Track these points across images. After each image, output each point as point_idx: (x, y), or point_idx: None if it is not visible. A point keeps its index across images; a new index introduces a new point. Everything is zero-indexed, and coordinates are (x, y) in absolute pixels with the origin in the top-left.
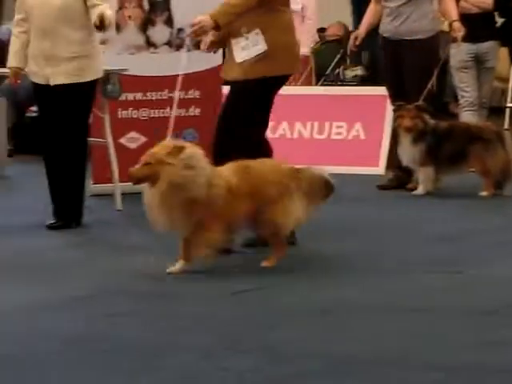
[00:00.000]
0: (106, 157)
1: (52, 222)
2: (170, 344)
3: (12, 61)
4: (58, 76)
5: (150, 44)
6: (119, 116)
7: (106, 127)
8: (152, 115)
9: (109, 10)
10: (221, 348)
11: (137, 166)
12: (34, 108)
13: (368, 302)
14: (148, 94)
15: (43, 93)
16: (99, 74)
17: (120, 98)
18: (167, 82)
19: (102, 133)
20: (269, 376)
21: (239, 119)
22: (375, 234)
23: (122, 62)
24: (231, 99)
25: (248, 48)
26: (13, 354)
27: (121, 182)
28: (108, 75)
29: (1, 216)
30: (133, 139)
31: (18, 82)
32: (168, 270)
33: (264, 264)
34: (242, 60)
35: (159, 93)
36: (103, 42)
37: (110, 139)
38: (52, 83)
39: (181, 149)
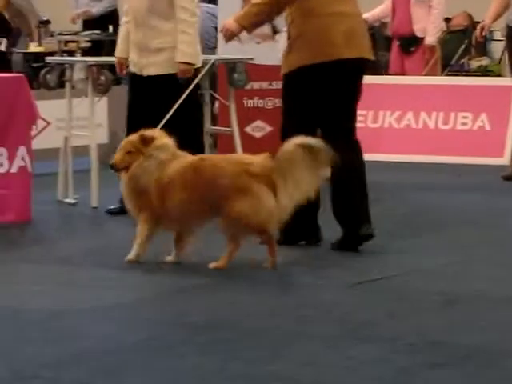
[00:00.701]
0: (231, 146)
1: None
2: (296, 333)
3: (117, 50)
4: (150, 67)
5: (276, 33)
6: (245, 105)
7: (231, 116)
8: (277, 104)
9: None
10: (346, 337)
11: (117, 154)
12: None
13: (495, 294)
14: (274, 83)
15: (138, 83)
16: (196, 64)
17: (246, 87)
18: None
19: (227, 122)
20: (394, 366)
21: (284, 113)
22: (497, 223)
23: (249, 50)
24: (282, 94)
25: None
26: (143, 339)
27: None
28: (234, 64)
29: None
30: (258, 128)
31: (124, 72)
32: (128, 258)
33: (212, 265)
34: (282, 51)
35: (281, 82)
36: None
37: (235, 128)
38: (145, 74)
39: (151, 139)
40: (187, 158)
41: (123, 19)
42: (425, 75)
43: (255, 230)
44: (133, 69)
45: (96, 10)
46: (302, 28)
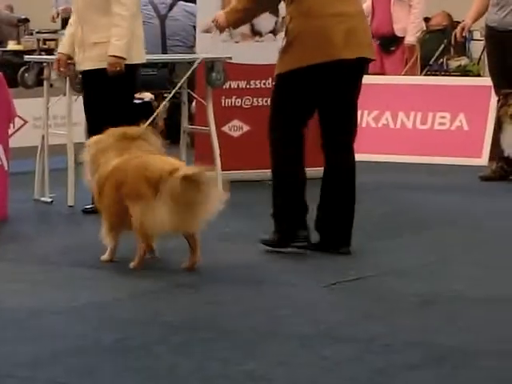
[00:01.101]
0: (208, 145)
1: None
2: (271, 333)
3: (59, 47)
4: (85, 62)
5: (254, 32)
6: (223, 104)
7: (208, 115)
8: (255, 104)
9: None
10: (321, 337)
11: None
12: (138, 95)
13: (471, 294)
14: (252, 82)
15: (81, 79)
16: (133, 60)
17: (223, 86)
18: (271, 70)
19: (205, 121)
20: (370, 366)
21: (272, 111)
22: (474, 224)
23: (227, 49)
24: (272, 94)
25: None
26: (119, 338)
27: (223, 170)
28: (213, 63)
29: None
30: (236, 127)
31: (61, 69)
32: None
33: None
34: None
35: (263, 81)
36: (209, 30)
37: (212, 127)
38: (81, 69)
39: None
40: (124, 157)
41: (72, 17)
42: (404, 75)
43: (141, 237)
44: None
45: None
46: (300, 28)
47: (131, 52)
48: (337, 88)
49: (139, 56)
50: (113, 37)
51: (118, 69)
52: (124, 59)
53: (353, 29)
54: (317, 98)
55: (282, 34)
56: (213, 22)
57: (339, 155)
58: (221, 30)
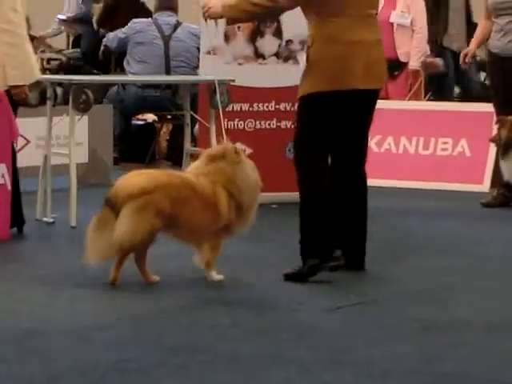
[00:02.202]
0: None
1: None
2: (271, 356)
3: None
4: None
5: (258, 55)
6: (225, 126)
7: (211, 137)
8: (258, 127)
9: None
10: (321, 362)
11: None
12: (141, 116)
13: (472, 321)
14: (255, 105)
15: None
16: (12, 81)
17: (227, 109)
18: (274, 93)
19: (207, 143)
20: None
21: (299, 137)
22: (475, 250)
23: (231, 72)
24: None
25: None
26: (118, 360)
27: None
28: (216, 85)
29: None
30: None
31: None
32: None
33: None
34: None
35: (266, 104)
36: (212, 52)
37: None
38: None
39: None
40: None
41: None
42: (409, 100)
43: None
44: None
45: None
46: (321, 54)
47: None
48: (351, 115)
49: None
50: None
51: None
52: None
53: (372, 59)
54: (333, 123)
55: (302, 57)
56: (203, 7)
57: (350, 177)
58: (210, 16)
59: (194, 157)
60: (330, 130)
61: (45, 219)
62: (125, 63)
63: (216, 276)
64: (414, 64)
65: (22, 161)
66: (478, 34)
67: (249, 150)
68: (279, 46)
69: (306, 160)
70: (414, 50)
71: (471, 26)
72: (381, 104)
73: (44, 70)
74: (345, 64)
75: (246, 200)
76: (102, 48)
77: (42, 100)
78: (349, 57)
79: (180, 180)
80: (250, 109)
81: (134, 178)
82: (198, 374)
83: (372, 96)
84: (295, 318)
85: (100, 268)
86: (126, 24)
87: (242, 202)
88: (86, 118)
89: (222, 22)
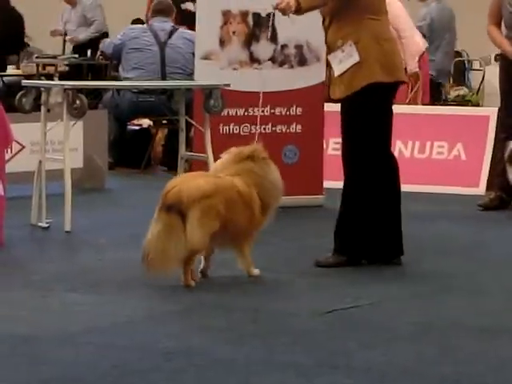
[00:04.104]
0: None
1: None
2: (266, 360)
3: None
4: None
5: (253, 60)
6: (221, 131)
7: (206, 142)
8: (253, 131)
9: None
10: (316, 366)
11: None
12: (136, 121)
13: (467, 323)
14: (250, 109)
15: None
16: None
17: (222, 114)
18: (269, 98)
19: (203, 148)
20: None
21: (359, 134)
22: (471, 253)
23: (226, 77)
24: (345, 119)
25: (344, 60)
26: (113, 365)
27: None
28: (211, 90)
29: (101, 229)
30: None
31: None
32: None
33: None
34: (339, 72)
35: (261, 109)
36: (207, 57)
37: (210, 154)
38: None
39: None
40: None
41: None
42: (408, 102)
43: None
44: None
45: (83, 36)
46: (372, 49)
47: None
48: (390, 107)
49: None
50: None
51: None
52: None
53: (400, 55)
54: (390, 113)
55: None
56: (277, 4)
57: (388, 169)
58: (285, 10)
59: (188, 162)
60: (387, 121)
61: (40, 224)
62: (120, 69)
63: (256, 271)
64: (410, 68)
65: (17, 166)
66: (499, 35)
67: None
68: (274, 50)
69: (370, 152)
70: (406, 55)
71: None
72: None
73: (40, 76)
74: (393, 59)
75: (272, 200)
76: (98, 54)
77: (36, 106)
78: (395, 52)
79: (227, 183)
80: (246, 113)
81: (193, 183)
82: (193, 378)
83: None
84: (291, 322)
85: (94, 272)
86: None
87: (269, 202)
88: (80, 123)
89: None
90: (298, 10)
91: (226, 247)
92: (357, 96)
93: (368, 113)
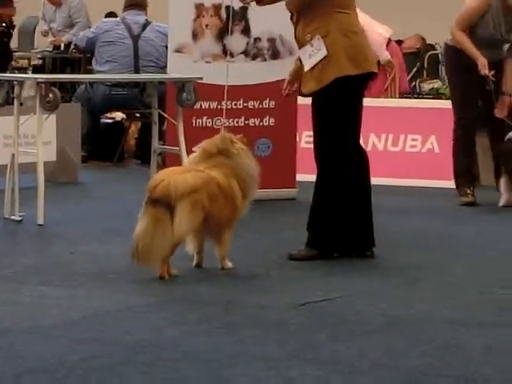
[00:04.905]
0: (179, 165)
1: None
2: (237, 353)
3: None
4: None
5: (226, 53)
6: (194, 124)
7: (178, 135)
8: (226, 124)
9: None
10: (287, 358)
11: None
12: (109, 114)
13: (437, 316)
14: (223, 102)
15: None
16: None
17: (195, 107)
18: (242, 91)
19: (176, 141)
20: None
21: (330, 129)
22: (443, 246)
23: (198, 70)
24: (316, 113)
25: (313, 54)
26: (84, 357)
27: None
28: (183, 83)
29: (73, 222)
30: None
31: None
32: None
33: None
34: (309, 67)
35: (234, 102)
36: (180, 50)
37: (183, 147)
38: None
39: None
40: None
41: None
42: (385, 89)
43: None
44: None
45: (66, 38)
46: (341, 43)
47: None
48: (360, 99)
49: None
50: None
51: None
52: None
53: (369, 45)
54: (359, 105)
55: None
56: None
57: (359, 162)
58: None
59: (161, 155)
60: (358, 114)
61: (12, 217)
62: (93, 62)
63: (230, 264)
64: (382, 57)
65: None
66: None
67: None
68: (247, 43)
69: (341, 146)
70: (373, 46)
71: None
72: None
73: (13, 69)
74: (362, 51)
75: (250, 190)
76: (72, 47)
77: (8, 99)
78: (363, 45)
79: (207, 177)
80: (219, 106)
81: (181, 177)
82: (163, 372)
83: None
84: (263, 315)
85: (66, 266)
86: None
87: (247, 192)
88: (54, 116)
89: None
90: (259, 1)
91: (206, 238)
92: (327, 90)
93: (338, 106)
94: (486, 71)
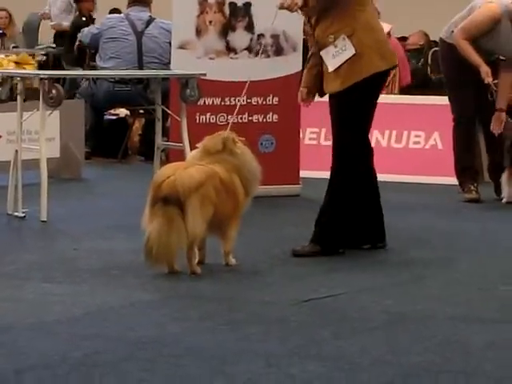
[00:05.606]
0: (183, 161)
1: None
2: (239, 350)
3: None
4: None
5: (229, 49)
6: (197, 121)
7: (182, 131)
8: (230, 120)
9: None
10: (289, 355)
11: None
12: (112, 111)
13: (440, 313)
14: (226, 99)
15: None
16: None
17: (198, 103)
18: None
19: (180, 137)
20: None
21: (353, 125)
22: (447, 243)
23: (202, 66)
24: (341, 111)
25: (338, 54)
26: (87, 354)
27: None
28: (187, 80)
29: (77, 218)
30: None
31: None
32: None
33: None
34: (334, 67)
35: (237, 98)
36: (183, 46)
37: (186, 144)
38: None
39: None
40: None
41: None
42: (387, 85)
43: None
44: None
45: (66, 23)
46: (367, 40)
47: None
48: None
49: None
50: None
51: None
52: None
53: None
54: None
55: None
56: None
57: (371, 158)
58: (291, 7)
59: (165, 151)
60: (374, 110)
61: (16, 214)
62: (97, 59)
63: (233, 260)
64: None
65: None
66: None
67: None
68: (251, 40)
69: (361, 142)
70: None
71: None
72: None
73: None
74: (387, 45)
75: (252, 187)
76: (76, 43)
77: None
78: (386, 39)
79: (212, 171)
80: (222, 103)
81: (186, 172)
82: (166, 368)
83: None
84: (266, 311)
85: (69, 262)
86: None
87: (249, 189)
88: (57, 112)
89: None
90: (304, 6)
91: (210, 234)
92: (357, 87)
93: (364, 103)
94: (490, 79)
